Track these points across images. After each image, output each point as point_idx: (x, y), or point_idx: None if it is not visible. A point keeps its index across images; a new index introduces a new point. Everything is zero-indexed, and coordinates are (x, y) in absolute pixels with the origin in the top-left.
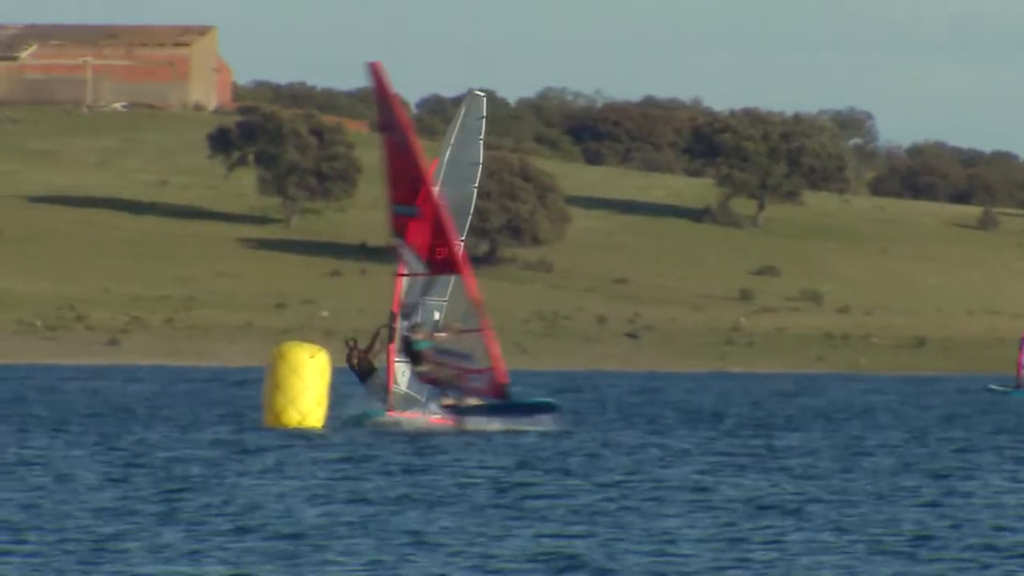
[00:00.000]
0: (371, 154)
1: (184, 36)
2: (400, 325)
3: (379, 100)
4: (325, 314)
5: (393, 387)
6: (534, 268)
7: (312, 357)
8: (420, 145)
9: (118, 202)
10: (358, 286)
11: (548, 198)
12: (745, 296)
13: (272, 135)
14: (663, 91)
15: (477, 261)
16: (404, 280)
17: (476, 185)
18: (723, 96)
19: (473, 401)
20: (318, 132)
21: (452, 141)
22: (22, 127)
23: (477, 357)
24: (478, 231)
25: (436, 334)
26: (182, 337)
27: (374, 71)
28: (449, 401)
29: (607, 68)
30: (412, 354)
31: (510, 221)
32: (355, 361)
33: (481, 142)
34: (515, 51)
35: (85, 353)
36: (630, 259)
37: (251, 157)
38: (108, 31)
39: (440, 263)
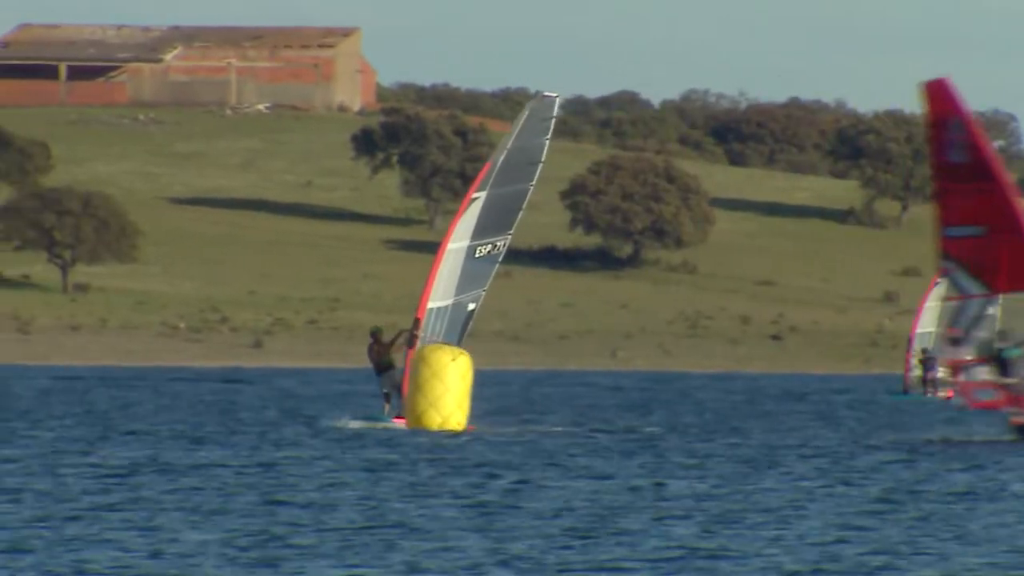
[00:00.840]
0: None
1: (328, 38)
2: (945, 351)
3: (942, 120)
4: None
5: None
6: (678, 270)
7: (453, 360)
8: (1000, 162)
9: (262, 203)
10: (501, 289)
11: (692, 199)
12: (889, 298)
13: (416, 136)
14: (807, 93)
15: (621, 263)
16: (949, 304)
17: (532, 184)
18: (867, 97)
19: None
20: (462, 133)
21: (509, 144)
22: (166, 129)
23: None
24: (622, 232)
25: None
26: (325, 339)
27: (939, 91)
28: (1021, 420)
29: (751, 69)
30: (1001, 363)
31: (654, 223)
32: (376, 353)
33: (547, 141)
34: (659, 53)
35: (228, 355)
36: (774, 260)
37: (395, 158)
38: (252, 33)
39: (1010, 281)
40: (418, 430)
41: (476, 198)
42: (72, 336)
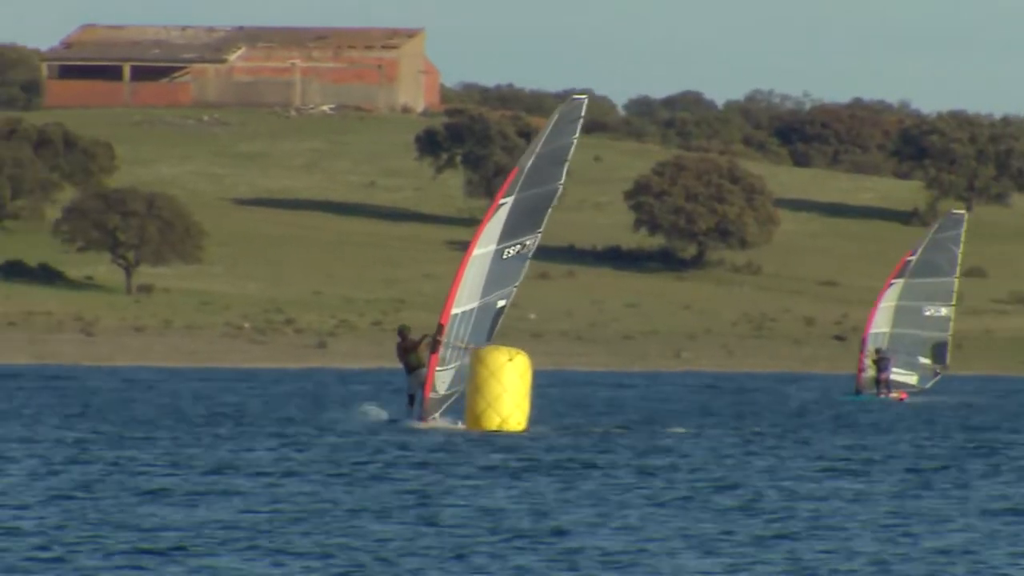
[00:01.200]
0: (578, 155)
1: (392, 39)
2: None
3: None
4: (532, 316)
5: (431, 393)
6: (742, 270)
7: (511, 360)
8: None
9: (326, 204)
10: (565, 288)
11: (756, 200)
12: None
13: (480, 137)
14: (870, 93)
15: (685, 264)
16: None
17: (561, 183)
18: (931, 98)
19: None
20: (526, 134)
21: (538, 148)
22: (231, 130)
23: None
24: (686, 233)
25: None
26: (390, 340)
27: None
28: None
29: (814, 70)
30: None
31: (718, 223)
32: (403, 351)
33: (575, 140)
34: (723, 53)
35: (293, 356)
36: (838, 261)
37: (458, 159)
38: (316, 33)
39: None
40: (482, 431)
41: (503, 203)
42: (136, 337)
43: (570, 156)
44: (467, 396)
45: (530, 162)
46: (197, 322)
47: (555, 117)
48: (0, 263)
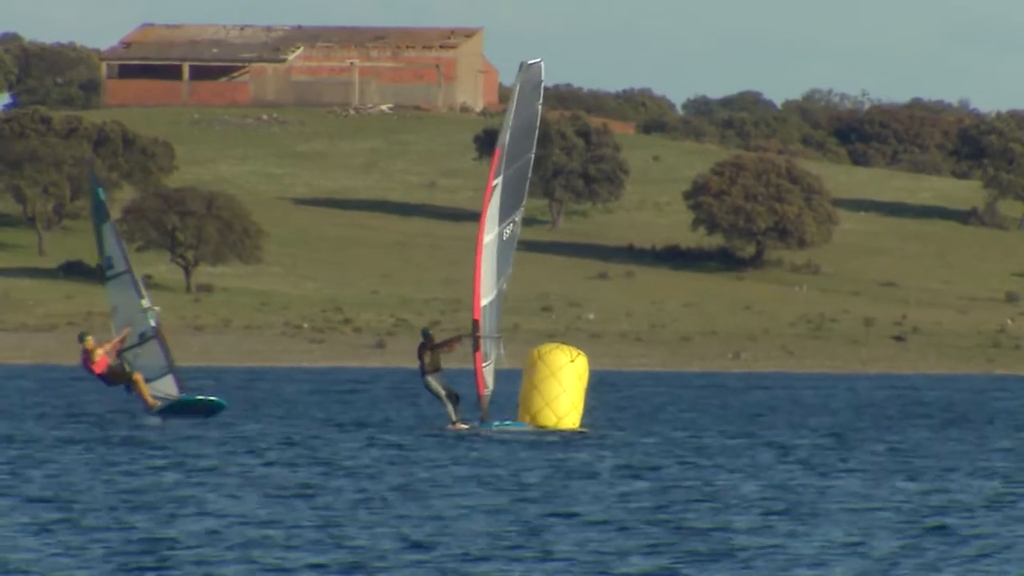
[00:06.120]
0: (637, 156)
1: (451, 38)
2: None
3: None
4: (591, 316)
5: (484, 391)
6: (801, 270)
7: (572, 361)
8: None
9: (385, 204)
10: (624, 288)
11: (815, 200)
12: (1011, 298)
13: (538, 137)
14: (929, 93)
15: (744, 264)
16: None
17: (533, 152)
18: (990, 97)
19: None
20: (585, 134)
21: (511, 122)
22: (289, 129)
23: None
24: (745, 233)
25: None
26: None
27: None
28: None
29: (873, 69)
30: None
31: (777, 223)
32: (428, 351)
33: (540, 107)
34: (781, 53)
35: (352, 356)
36: (896, 261)
37: None
38: (375, 33)
39: None
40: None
41: (496, 184)
42: (196, 336)
43: (538, 124)
44: (523, 392)
45: (507, 137)
46: (256, 322)
47: (518, 87)
48: (60, 263)
